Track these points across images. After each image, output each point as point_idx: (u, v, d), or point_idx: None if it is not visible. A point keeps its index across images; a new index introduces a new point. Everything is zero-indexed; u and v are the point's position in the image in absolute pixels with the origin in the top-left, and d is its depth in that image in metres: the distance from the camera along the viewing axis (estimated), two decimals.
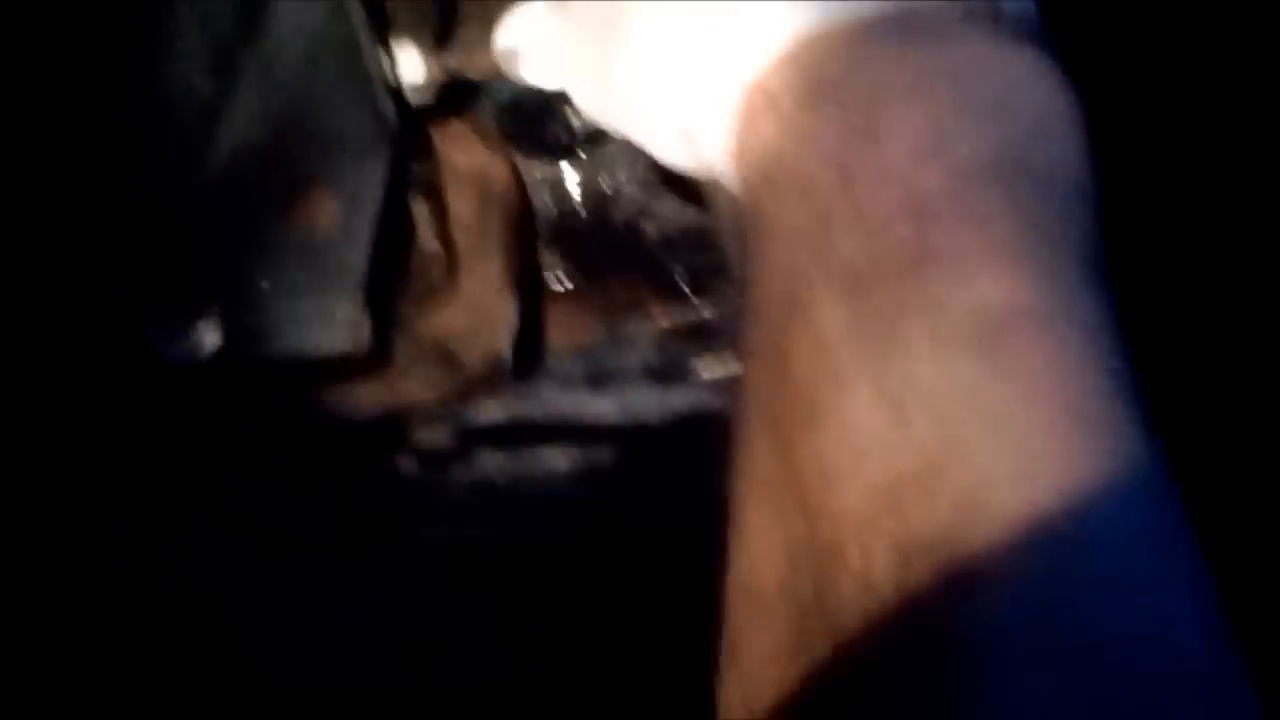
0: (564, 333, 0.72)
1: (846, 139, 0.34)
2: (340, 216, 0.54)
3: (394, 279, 0.60)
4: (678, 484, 0.62)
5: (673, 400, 0.70)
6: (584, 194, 0.73)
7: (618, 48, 0.43)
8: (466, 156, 0.66)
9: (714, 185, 0.41)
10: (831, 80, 0.35)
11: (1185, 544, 0.30)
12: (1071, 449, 0.30)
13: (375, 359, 0.58)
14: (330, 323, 0.54)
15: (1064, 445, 0.30)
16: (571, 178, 0.72)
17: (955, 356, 0.30)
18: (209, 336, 0.51)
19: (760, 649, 0.32)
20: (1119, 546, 0.29)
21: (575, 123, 0.70)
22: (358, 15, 0.53)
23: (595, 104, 0.47)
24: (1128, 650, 0.27)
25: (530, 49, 0.50)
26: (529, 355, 0.68)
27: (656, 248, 0.73)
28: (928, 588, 0.28)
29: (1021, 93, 0.35)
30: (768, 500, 0.34)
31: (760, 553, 0.33)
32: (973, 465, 0.29)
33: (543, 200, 0.72)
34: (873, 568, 0.29)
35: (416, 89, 0.57)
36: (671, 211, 0.73)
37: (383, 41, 0.55)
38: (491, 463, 0.62)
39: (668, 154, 0.44)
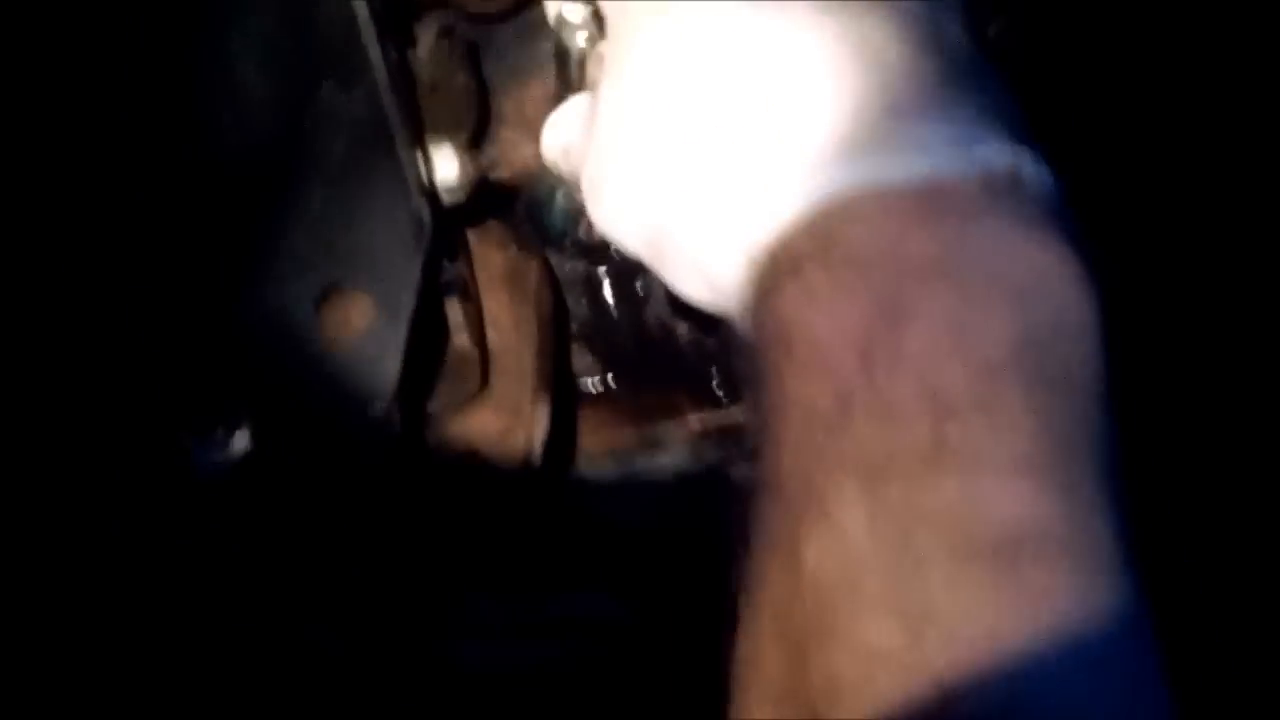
0: (596, 435, 0.71)
1: (870, 320, 0.33)
2: (374, 317, 0.53)
3: (427, 380, 0.60)
4: (711, 592, 0.61)
5: (704, 505, 0.69)
6: (617, 294, 0.72)
7: (644, 173, 0.42)
8: (500, 256, 0.66)
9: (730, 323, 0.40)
10: (857, 251, 0.34)
11: None
12: (1080, 679, 0.29)
13: (407, 461, 0.57)
14: (362, 425, 0.53)
15: (1072, 675, 0.29)
16: (605, 278, 0.72)
17: (971, 579, 0.30)
18: (240, 442, 0.50)
19: None
20: None
21: None
22: (395, 116, 0.53)
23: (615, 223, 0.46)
24: None
25: (579, 144, 0.49)
26: (560, 457, 0.67)
27: (689, 349, 0.72)
28: None
29: (1045, 282, 0.34)
30: (773, 704, 0.33)
31: None
32: (984, 694, 0.29)
33: (576, 300, 0.72)
34: None
35: (451, 189, 0.57)
36: (704, 313, 0.72)
37: (419, 142, 0.55)
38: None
39: (684, 286, 0.44)
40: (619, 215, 0.44)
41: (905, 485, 0.31)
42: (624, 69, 0.42)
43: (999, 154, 0.35)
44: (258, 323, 0.52)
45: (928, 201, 0.34)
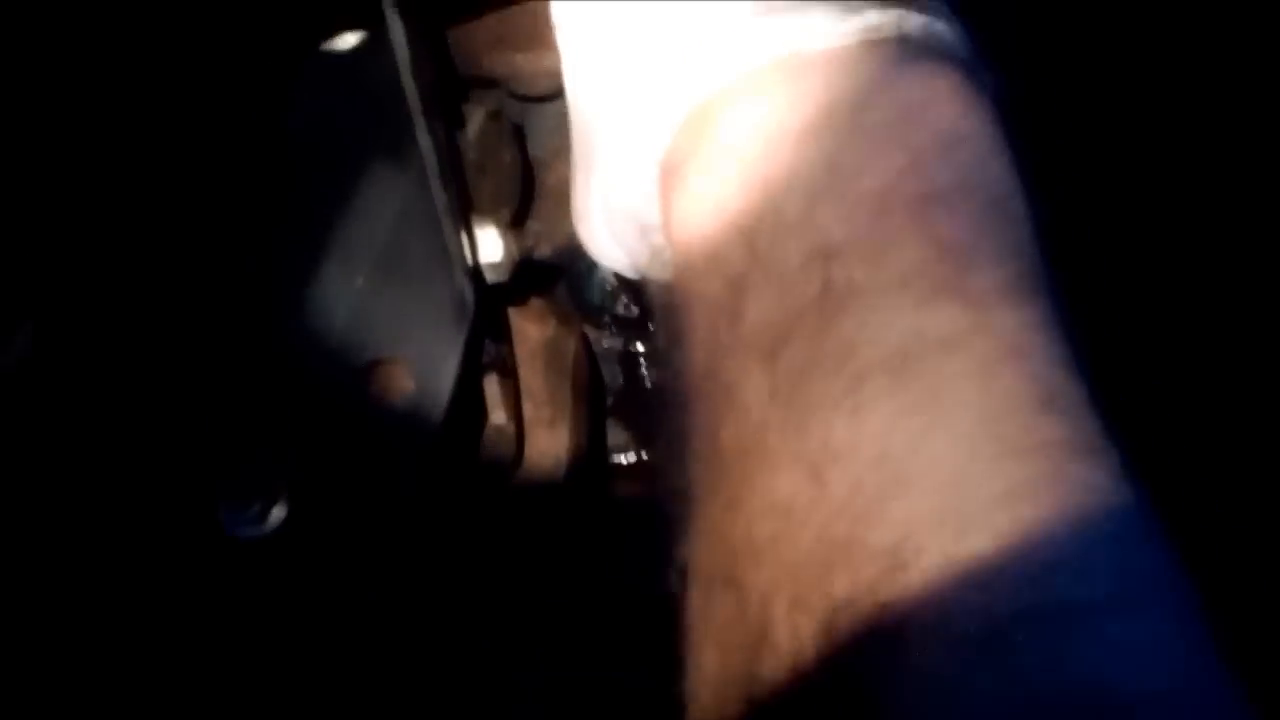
0: (630, 510, 0.71)
1: (748, 200, 0.33)
2: (414, 392, 0.54)
3: (463, 455, 0.60)
4: None
5: None
6: (653, 369, 0.73)
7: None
8: (538, 330, 0.67)
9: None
10: (728, 138, 0.34)
11: (1135, 574, 0.27)
12: (994, 482, 0.28)
13: (443, 534, 0.57)
14: (397, 498, 0.54)
15: (985, 479, 0.28)
16: (641, 353, 0.73)
17: (864, 405, 0.29)
18: (276, 515, 0.50)
19: None
20: (1056, 587, 0.26)
21: (644, 297, 0.70)
22: (441, 197, 0.53)
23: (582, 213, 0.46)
24: (1064, 699, 0.25)
25: None
26: (595, 533, 0.68)
27: None
28: (853, 651, 0.27)
29: (928, 107, 0.33)
30: (704, 588, 0.32)
31: (699, 646, 0.32)
32: (892, 521, 0.28)
33: (613, 375, 0.73)
34: (801, 647, 0.28)
35: (495, 268, 0.58)
36: None
37: (464, 222, 0.56)
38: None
39: (636, 258, 0.43)
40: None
41: (802, 343, 0.31)
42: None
43: (882, 16, 0.35)
44: (300, 396, 0.53)
45: (795, 72, 0.34)
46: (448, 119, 0.57)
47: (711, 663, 0.31)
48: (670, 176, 0.37)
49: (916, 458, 0.28)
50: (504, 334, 0.63)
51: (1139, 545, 0.28)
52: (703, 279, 0.34)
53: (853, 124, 0.33)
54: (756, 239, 0.32)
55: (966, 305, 0.30)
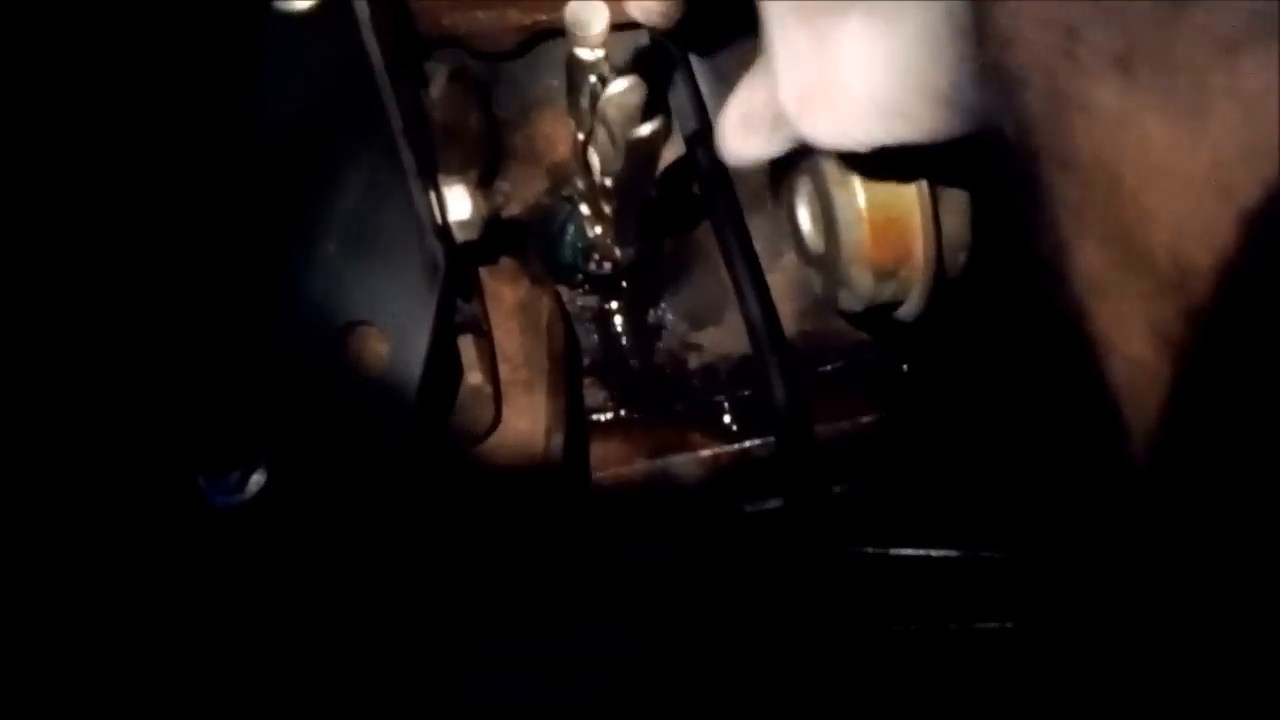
0: (608, 466, 0.71)
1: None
2: (389, 356, 0.54)
3: (440, 416, 0.60)
4: (721, 624, 0.61)
5: (716, 537, 0.69)
6: (628, 327, 0.73)
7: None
8: (512, 291, 0.66)
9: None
10: None
11: None
12: None
13: (420, 496, 0.57)
14: (376, 461, 0.53)
15: None
16: (616, 311, 0.73)
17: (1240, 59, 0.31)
18: (255, 483, 0.50)
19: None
20: None
21: (619, 255, 0.70)
22: (409, 158, 0.53)
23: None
24: None
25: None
26: (572, 491, 0.68)
27: (700, 380, 0.73)
28: None
29: None
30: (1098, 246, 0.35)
31: None
32: None
33: (587, 334, 0.72)
34: None
35: (463, 226, 0.57)
36: (716, 344, 0.73)
37: (432, 182, 0.55)
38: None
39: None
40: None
41: (1151, 46, 0.33)
42: None
43: None
44: (276, 363, 0.52)
45: None
46: (411, 79, 0.57)
47: None
48: None
49: None
50: (477, 294, 0.63)
51: None
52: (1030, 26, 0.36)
53: None
54: None
55: None
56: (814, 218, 0.57)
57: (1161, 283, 0.32)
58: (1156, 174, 0.32)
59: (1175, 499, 0.33)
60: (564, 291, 0.71)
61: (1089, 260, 0.35)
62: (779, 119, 0.48)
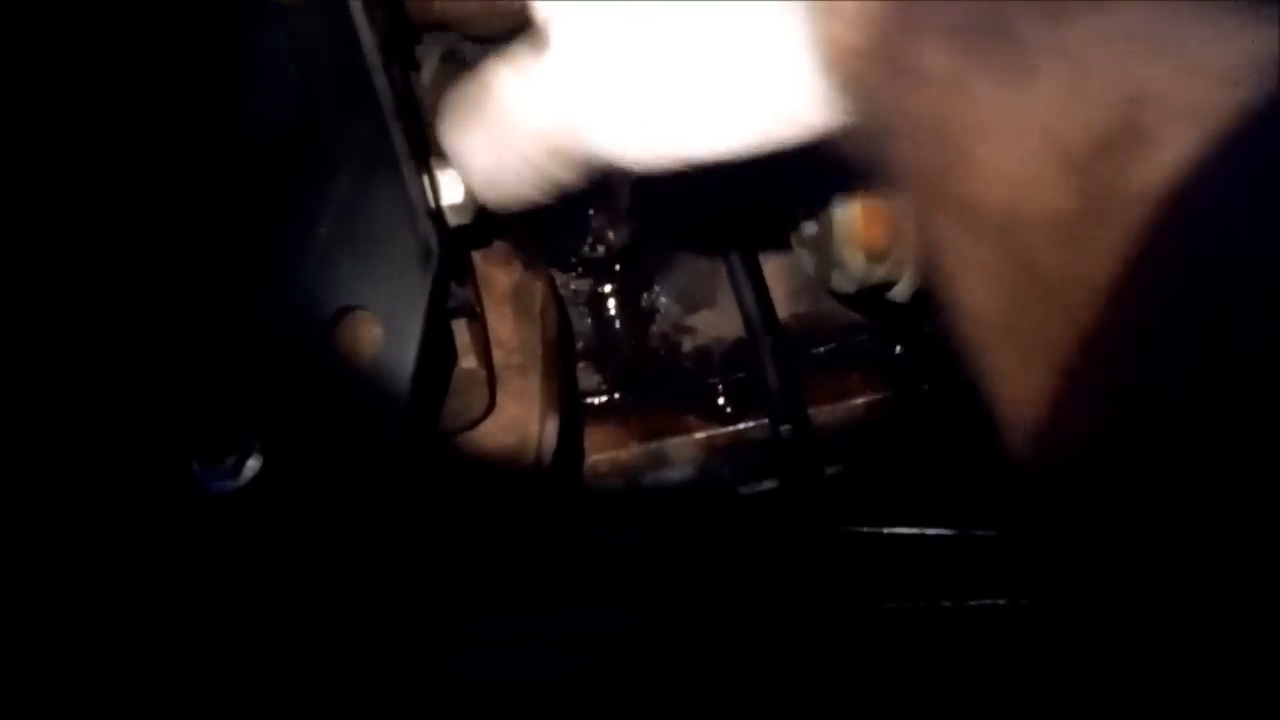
0: (602, 449, 0.72)
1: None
2: (383, 340, 0.54)
3: (435, 401, 0.60)
4: (716, 606, 0.61)
5: (710, 520, 0.69)
6: (622, 311, 0.73)
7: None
8: (505, 275, 0.66)
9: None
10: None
11: None
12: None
13: (415, 481, 0.57)
14: (371, 447, 0.53)
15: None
16: (609, 295, 0.73)
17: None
18: (250, 468, 0.50)
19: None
20: None
21: (612, 238, 0.70)
22: (400, 141, 0.53)
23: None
24: None
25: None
26: (567, 474, 0.68)
27: (694, 363, 0.73)
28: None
29: None
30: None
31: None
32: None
33: (581, 318, 0.73)
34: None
35: (456, 210, 0.57)
36: (709, 326, 0.73)
37: (424, 165, 0.55)
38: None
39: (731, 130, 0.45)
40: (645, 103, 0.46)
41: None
42: None
43: None
44: (269, 348, 0.52)
45: None
46: (403, 62, 0.57)
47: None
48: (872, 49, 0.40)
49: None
50: (470, 278, 0.62)
51: None
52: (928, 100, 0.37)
53: None
54: None
55: None
56: None
57: (993, 231, 0.34)
58: (986, 130, 0.34)
59: (1037, 453, 0.35)
60: (557, 275, 0.72)
61: (941, 224, 0.37)
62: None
